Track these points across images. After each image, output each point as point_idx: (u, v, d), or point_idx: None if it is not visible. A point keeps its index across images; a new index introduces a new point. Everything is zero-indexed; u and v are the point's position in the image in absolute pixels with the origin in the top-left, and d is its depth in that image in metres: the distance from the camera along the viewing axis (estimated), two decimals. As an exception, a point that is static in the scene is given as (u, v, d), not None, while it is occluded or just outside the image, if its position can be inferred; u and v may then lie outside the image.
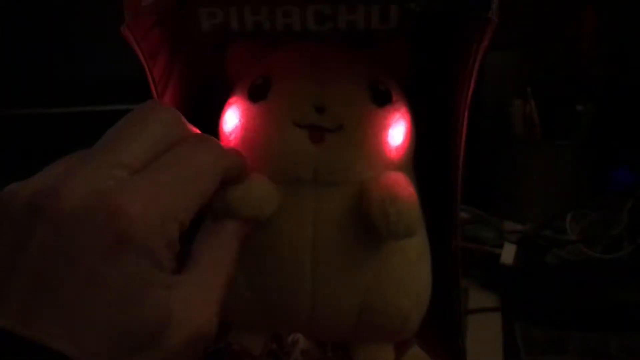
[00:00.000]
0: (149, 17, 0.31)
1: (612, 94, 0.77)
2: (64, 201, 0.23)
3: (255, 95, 0.36)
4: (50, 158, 0.68)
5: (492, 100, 0.76)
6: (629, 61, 0.79)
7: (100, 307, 0.23)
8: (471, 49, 0.33)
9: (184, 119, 0.28)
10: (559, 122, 0.73)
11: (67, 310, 0.22)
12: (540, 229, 0.66)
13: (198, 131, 0.28)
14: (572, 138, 0.72)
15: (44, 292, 0.22)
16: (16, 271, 0.22)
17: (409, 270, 0.37)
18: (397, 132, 0.36)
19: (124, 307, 0.23)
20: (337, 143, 0.35)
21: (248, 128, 0.36)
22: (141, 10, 0.30)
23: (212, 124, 0.38)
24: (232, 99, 0.37)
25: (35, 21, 0.74)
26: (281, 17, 0.31)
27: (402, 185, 0.35)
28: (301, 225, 0.35)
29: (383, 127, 0.36)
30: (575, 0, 0.82)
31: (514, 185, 0.75)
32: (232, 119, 0.37)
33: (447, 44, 0.34)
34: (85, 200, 0.23)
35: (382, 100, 0.36)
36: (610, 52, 0.80)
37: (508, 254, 0.59)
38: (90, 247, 0.23)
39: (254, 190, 0.34)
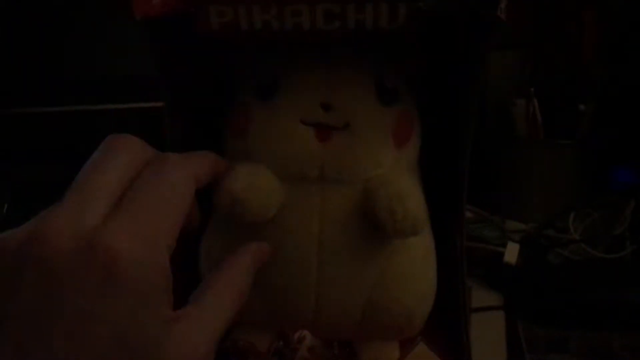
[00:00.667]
0: (159, 15, 0.31)
1: (614, 94, 0.78)
2: (50, 244, 0.23)
3: (262, 94, 0.36)
4: (54, 156, 0.68)
5: (494, 100, 0.77)
6: (630, 60, 0.79)
7: (92, 347, 0.23)
8: (479, 47, 0.33)
9: (144, 142, 0.28)
10: (561, 121, 0.73)
11: (59, 352, 0.22)
12: (543, 229, 0.66)
13: (156, 152, 0.28)
14: (574, 137, 0.72)
15: (36, 335, 0.22)
16: (8, 317, 0.23)
17: (414, 268, 0.37)
18: (403, 131, 0.37)
19: (117, 345, 0.23)
20: (343, 141, 0.35)
21: (255, 126, 0.36)
22: (151, 8, 0.30)
23: (219, 122, 0.38)
24: (240, 97, 0.38)
25: (39, 19, 0.74)
26: (290, 16, 0.31)
27: (409, 183, 0.35)
28: (307, 223, 0.35)
29: (389, 125, 0.36)
30: (576, 0, 0.82)
31: (516, 184, 0.75)
32: (239, 116, 0.37)
33: (454, 42, 0.34)
34: (72, 241, 0.23)
35: (389, 99, 0.36)
36: (611, 52, 0.80)
37: (511, 253, 0.59)
38: (79, 287, 0.23)
39: (260, 182, 0.34)
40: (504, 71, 0.78)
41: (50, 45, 0.76)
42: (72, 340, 0.22)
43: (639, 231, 0.63)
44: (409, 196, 0.34)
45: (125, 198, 0.25)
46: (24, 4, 0.73)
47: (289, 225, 0.35)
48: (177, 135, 0.38)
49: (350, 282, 0.36)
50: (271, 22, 0.31)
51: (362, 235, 0.35)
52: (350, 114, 0.35)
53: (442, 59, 0.37)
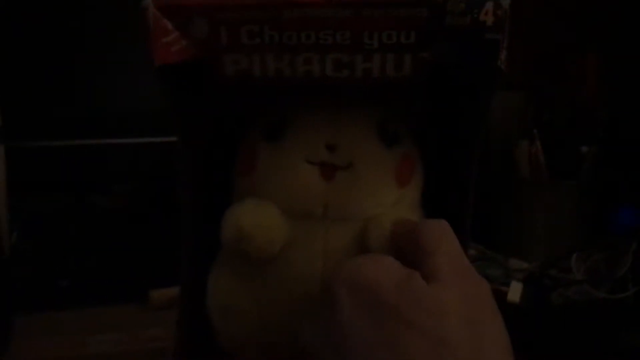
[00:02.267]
0: (177, 62, 0.32)
1: (616, 135, 0.79)
2: None
3: (270, 135, 0.37)
4: (62, 188, 0.69)
5: (498, 141, 0.78)
6: (631, 102, 0.80)
7: None
8: (480, 95, 0.35)
9: None
10: (564, 163, 0.74)
11: None
12: (546, 268, 0.66)
13: None
14: (577, 179, 0.73)
15: None
16: None
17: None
18: (405, 171, 0.38)
19: None
20: (347, 180, 0.36)
21: (263, 165, 0.37)
22: (169, 56, 0.32)
23: (230, 161, 0.40)
24: (249, 138, 0.39)
25: (51, 53, 0.76)
26: (302, 64, 0.33)
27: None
28: (311, 259, 0.36)
29: (391, 166, 0.37)
30: (577, 44, 0.84)
31: (519, 224, 0.75)
32: (248, 156, 0.38)
33: (457, 89, 0.36)
34: None
35: (391, 141, 0.37)
36: (613, 94, 0.81)
37: (515, 292, 0.59)
38: None
39: (266, 218, 0.35)
40: (506, 113, 0.79)
41: (61, 81, 0.77)
42: None
43: (641, 273, 0.63)
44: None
45: None
46: (40, 38, 0.75)
47: (293, 261, 0.36)
48: (188, 171, 0.39)
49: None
50: (283, 70, 0.33)
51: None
52: (354, 154, 0.36)
53: (445, 104, 0.39)
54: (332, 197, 0.36)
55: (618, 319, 0.57)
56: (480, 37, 0.32)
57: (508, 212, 0.76)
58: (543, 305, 0.61)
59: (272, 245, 0.35)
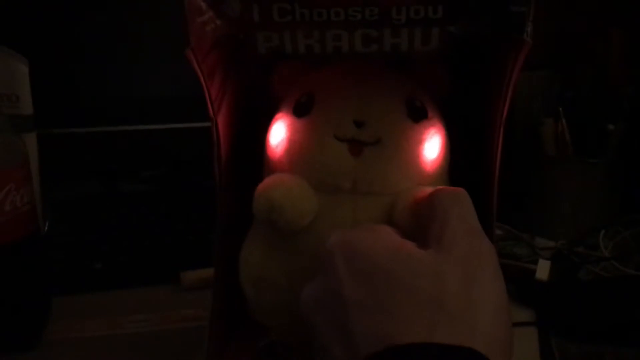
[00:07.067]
0: (211, 41, 0.33)
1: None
2: None
3: (300, 111, 0.38)
4: (92, 175, 0.70)
5: (523, 119, 0.77)
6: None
7: None
8: (507, 69, 0.35)
9: None
10: (590, 140, 0.73)
11: None
12: (573, 246, 0.66)
13: None
14: (603, 156, 0.73)
15: None
16: None
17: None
18: (431, 147, 0.38)
19: None
20: (374, 155, 0.36)
21: (292, 141, 0.38)
22: (204, 35, 0.32)
23: (260, 138, 0.40)
24: (279, 115, 0.40)
25: (77, 41, 0.77)
26: (331, 41, 0.33)
27: None
28: None
29: (418, 141, 0.37)
30: (603, 20, 0.83)
31: (545, 202, 0.75)
32: (278, 132, 0.39)
33: (483, 63, 0.36)
34: None
35: (418, 116, 0.38)
36: (638, 72, 0.80)
37: (543, 269, 0.59)
38: None
39: (296, 191, 0.36)
40: (532, 91, 0.79)
41: (90, 69, 0.78)
42: None
43: (670, 249, 0.63)
44: None
45: None
46: (69, 25, 0.76)
47: (323, 234, 0.36)
48: (221, 147, 0.40)
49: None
50: (313, 46, 0.33)
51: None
52: (382, 130, 0.37)
53: (473, 79, 0.39)
54: (360, 172, 0.36)
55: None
56: (506, 10, 0.32)
57: (534, 190, 0.76)
58: (572, 282, 0.61)
59: (302, 217, 0.36)
